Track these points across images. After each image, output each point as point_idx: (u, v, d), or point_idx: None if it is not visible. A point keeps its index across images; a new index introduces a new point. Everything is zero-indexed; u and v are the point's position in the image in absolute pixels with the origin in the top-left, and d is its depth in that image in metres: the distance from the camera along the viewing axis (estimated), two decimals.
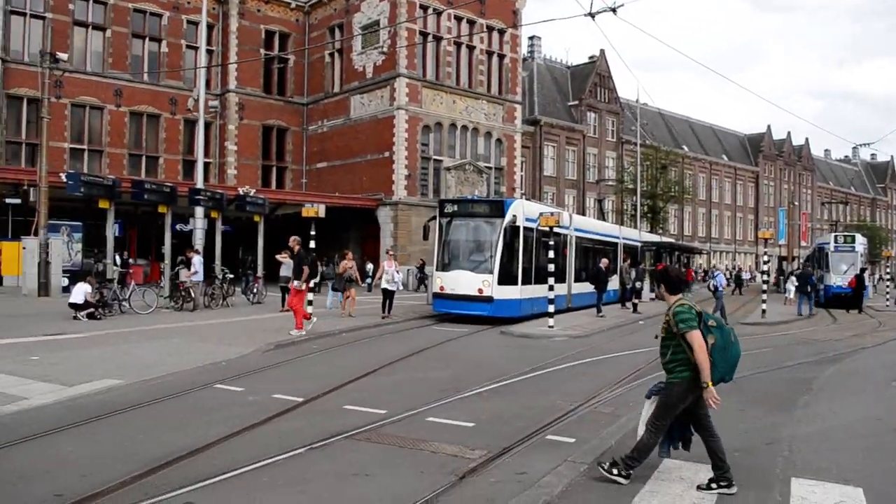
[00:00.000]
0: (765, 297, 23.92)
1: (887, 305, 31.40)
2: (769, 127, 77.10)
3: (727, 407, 8.90)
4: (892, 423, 8.34)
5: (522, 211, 20.20)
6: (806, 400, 9.47)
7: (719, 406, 5.53)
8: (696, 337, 5.43)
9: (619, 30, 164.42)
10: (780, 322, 22.52)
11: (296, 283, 14.93)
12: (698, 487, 5.53)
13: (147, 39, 37.84)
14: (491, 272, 19.16)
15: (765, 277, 26.53)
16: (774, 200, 76.07)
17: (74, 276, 23.60)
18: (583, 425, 7.69)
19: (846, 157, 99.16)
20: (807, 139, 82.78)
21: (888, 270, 45.33)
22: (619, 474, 5.61)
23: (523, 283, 19.92)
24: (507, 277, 19.37)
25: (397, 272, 20.51)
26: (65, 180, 21.49)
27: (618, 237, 31.18)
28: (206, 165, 31.15)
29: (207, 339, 13.89)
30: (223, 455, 6.17)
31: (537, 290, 19.93)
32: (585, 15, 12.53)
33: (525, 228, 20.07)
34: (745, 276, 60.98)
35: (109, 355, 11.54)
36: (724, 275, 24.92)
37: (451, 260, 20.27)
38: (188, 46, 38.70)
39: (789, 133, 79.50)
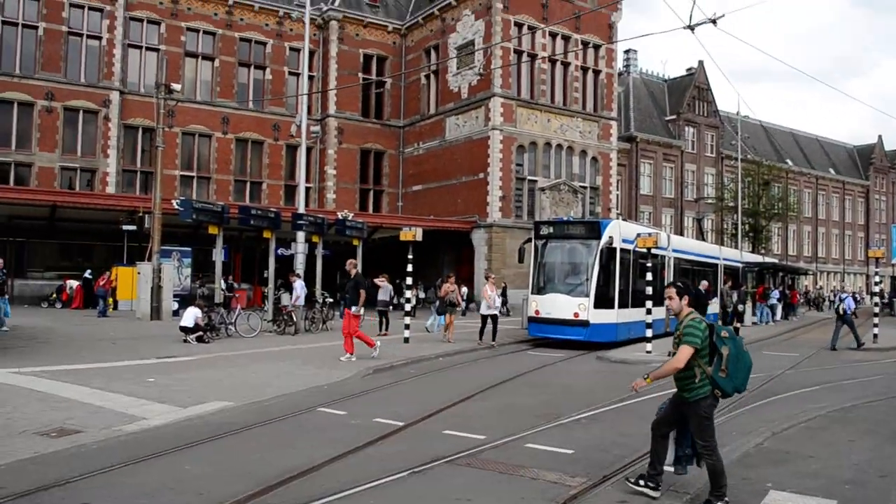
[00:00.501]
0: (876, 320, 22.81)
1: None
2: (880, 137, 73.67)
3: (837, 438, 8.63)
4: None
5: (619, 232, 19.98)
6: None
7: (636, 391, 6.13)
8: (685, 351, 5.63)
9: (719, 40, 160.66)
10: (894, 347, 21.39)
11: (353, 308, 14.41)
12: (627, 480, 6.14)
13: (252, 67, 39.57)
14: (587, 295, 19.00)
15: (876, 300, 25.28)
16: (887, 216, 72.28)
17: (184, 300, 24.83)
18: None
19: None
20: None
21: None
22: (649, 487, 5.91)
23: (620, 306, 19.67)
24: (603, 301, 19.15)
25: (498, 296, 20.59)
26: (177, 207, 22.62)
27: (718, 258, 30.33)
28: (307, 190, 32.22)
29: (309, 362, 14.33)
30: (330, 477, 6.42)
31: (634, 314, 19.64)
32: (685, 28, 12.37)
33: (622, 250, 19.84)
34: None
35: (219, 377, 12.10)
36: (853, 297, 24.11)
37: (546, 283, 20.23)
38: (290, 73, 40.26)
39: None
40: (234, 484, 6.07)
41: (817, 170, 66.43)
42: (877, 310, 23.72)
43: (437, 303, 21.76)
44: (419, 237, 18.52)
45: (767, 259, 42.57)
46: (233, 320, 19.61)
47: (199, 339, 17.31)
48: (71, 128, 35.17)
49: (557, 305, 19.25)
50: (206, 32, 38.25)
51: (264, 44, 39.53)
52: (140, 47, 37.02)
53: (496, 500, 5.98)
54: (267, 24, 39.23)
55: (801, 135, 69.93)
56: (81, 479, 6.16)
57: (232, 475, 6.46)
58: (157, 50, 36.84)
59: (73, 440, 7.51)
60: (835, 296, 24.40)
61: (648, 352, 16.98)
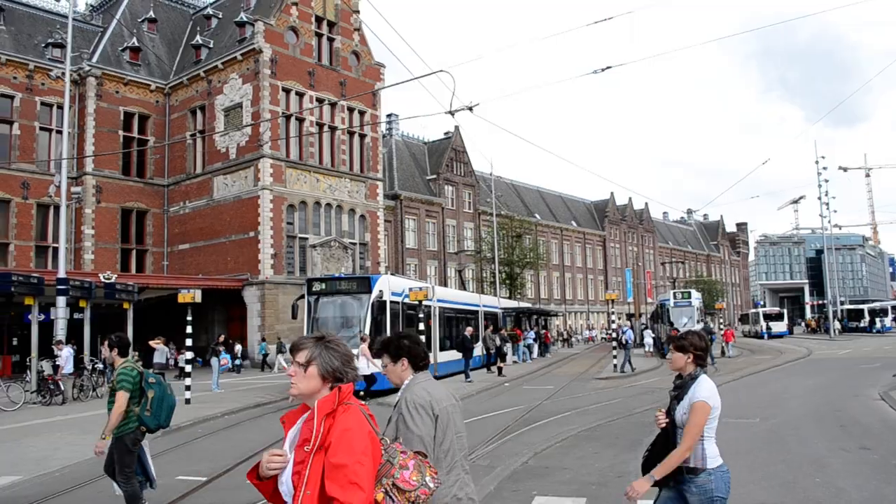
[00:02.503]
0: (615, 352, 26.12)
1: (722, 353, 34.75)
2: (612, 194, 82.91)
3: (585, 452, 10.36)
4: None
5: (388, 286, 21.32)
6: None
7: (101, 455, 6.87)
8: (121, 396, 6.73)
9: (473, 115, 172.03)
10: (630, 375, 24.71)
11: None
12: None
13: None
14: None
15: (614, 335, 28.88)
16: (621, 261, 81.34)
17: None
18: None
19: (682, 218, 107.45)
20: (646, 204, 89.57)
21: (721, 321, 49.75)
22: None
23: None
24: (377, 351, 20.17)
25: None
26: None
27: (478, 305, 32.88)
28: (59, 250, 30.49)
29: (90, 431, 13.91)
30: None
31: None
32: (446, 113, 14.16)
33: (392, 302, 21.18)
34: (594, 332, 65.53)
35: None
36: (631, 331, 28.50)
37: None
38: (42, 128, 37.83)
39: (630, 199, 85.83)
40: None
41: (561, 222, 73.44)
42: (615, 343, 27.12)
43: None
44: (198, 299, 18.63)
45: (522, 304, 46.49)
46: None
47: None
48: None
49: None
50: None
51: (11, 97, 36.87)
52: None
53: None
54: (15, 77, 36.67)
55: (546, 192, 77.03)
56: None
57: None
58: None
59: None
60: (620, 330, 28.34)
61: None
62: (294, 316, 22.69)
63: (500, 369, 26.41)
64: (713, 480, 4.16)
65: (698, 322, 35.70)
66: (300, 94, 38.68)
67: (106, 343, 7.09)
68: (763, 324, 62.67)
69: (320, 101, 39.56)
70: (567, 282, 73.67)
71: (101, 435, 6.75)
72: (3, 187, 36.43)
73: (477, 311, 32.04)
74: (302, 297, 22.06)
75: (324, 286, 21.79)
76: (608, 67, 13.43)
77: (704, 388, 4.21)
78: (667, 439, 4.37)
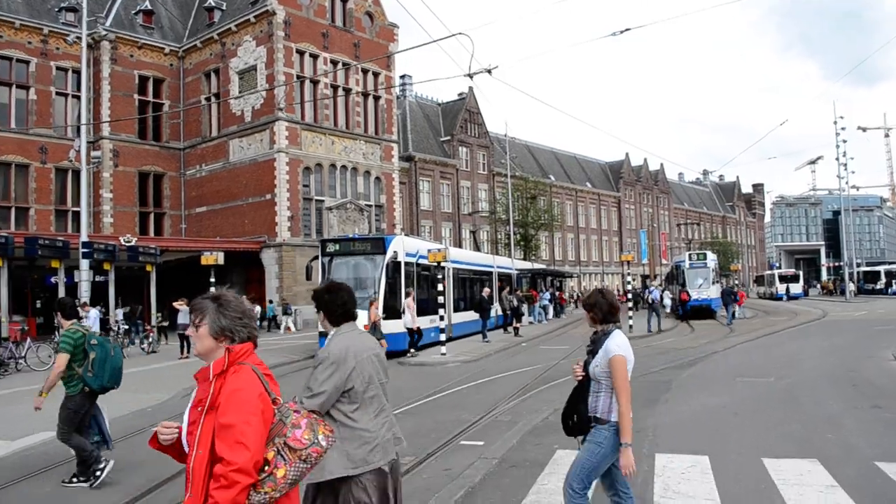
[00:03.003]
0: (631, 313, 26.41)
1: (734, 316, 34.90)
2: (627, 154, 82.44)
3: None
4: (733, 409, 10.31)
5: (403, 247, 21.20)
6: (666, 397, 11.35)
7: (39, 410, 7.33)
8: (62, 358, 7.11)
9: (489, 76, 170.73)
10: (644, 335, 24.99)
11: None
12: (62, 482, 7.25)
13: (14, 87, 36.86)
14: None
15: (629, 296, 29.15)
16: (636, 223, 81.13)
17: None
18: (488, 431, 9.14)
19: (698, 178, 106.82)
20: (661, 164, 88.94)
21: (736, 282, 49.86)
22: (80, 481, 7.21)
23: None
24: (392, 311, 19.78)
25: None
26: None
27: (492, 266, 33.03)
28: (80, 214, 30.88)
29: (121, 389, 14.34)
30: None
31: (421, 322, 21.07)
32: (465, 76, 14.28)
33: (406, 263, 21.14)
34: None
35: (31, 411, 11.95)
36: (658, 291, 28.62)
37: None
38: (58, 93, 38.01)
39: (646, 160, 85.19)
40: (109, 495, 6.71)
41: (576, 183, 73.18)
42: (630, 304, 27.41)
43: None
44: (221, 261, 19.03)
45: (537, 265, 46.70)
46: (23, 354, 18.81)
47: None
48: None
49: None
50: None
51: (27, 62, 36.99)
52: None
53: None
54: (30, 43, 36.76)
55: (560, 153, 76.65)
56: None
57: (94, 493, 7.05)
58: None
59: None
60: (646, 290, 28.63)
61: (443, 354, 18.67)
62: (308, 277, 22.62)
63: (516, 330, 26.70)
64: (610, 436, 4.33)
65: (714, 283, 35.73)
66: (314, 57, 38.63)
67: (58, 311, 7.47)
68: (778, 285, 62.64)
69: (334, 63, 39.50)
70: (581, 243, 73.65)
71: (38, 391, 7.19)
72: (23, 152, 36.77)
73: (491, 273, 32.21)
74: (316, 258, 21.78)
75: (338, 247, 21.52)
76: (627, 30, 13.45)
77: (615, 343, 4.39)
78: (581, 391, 4.56)
